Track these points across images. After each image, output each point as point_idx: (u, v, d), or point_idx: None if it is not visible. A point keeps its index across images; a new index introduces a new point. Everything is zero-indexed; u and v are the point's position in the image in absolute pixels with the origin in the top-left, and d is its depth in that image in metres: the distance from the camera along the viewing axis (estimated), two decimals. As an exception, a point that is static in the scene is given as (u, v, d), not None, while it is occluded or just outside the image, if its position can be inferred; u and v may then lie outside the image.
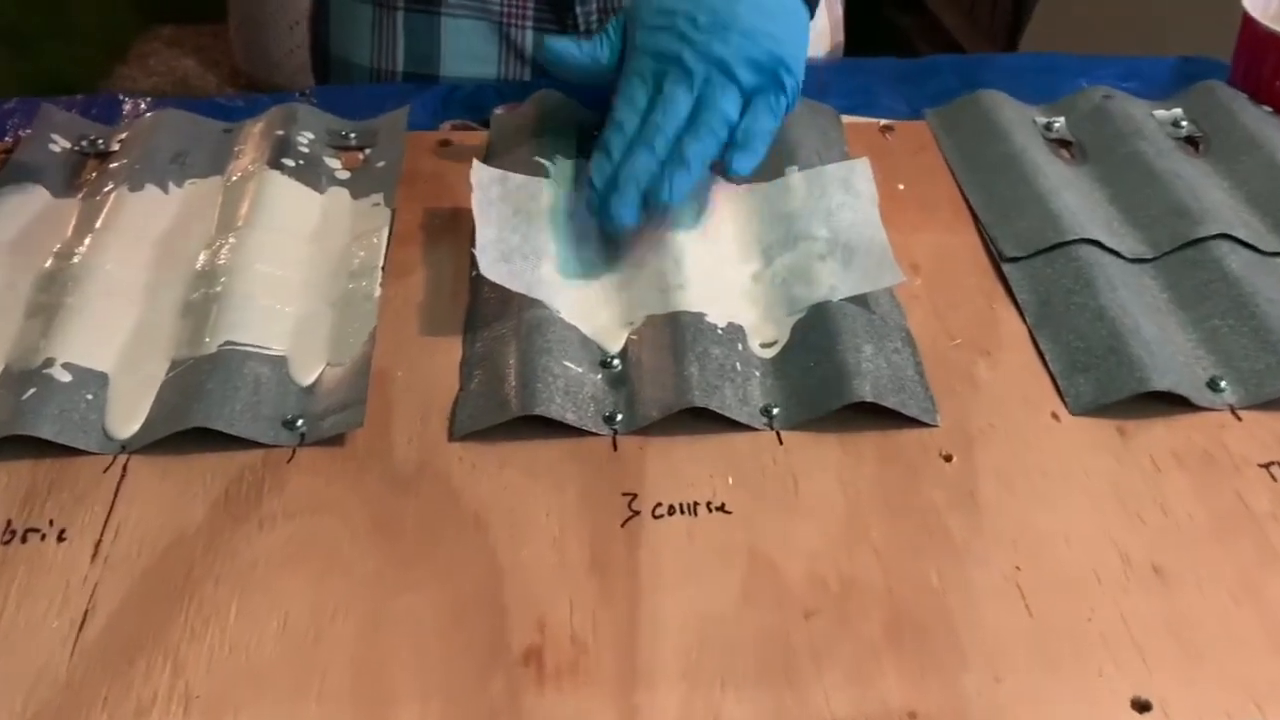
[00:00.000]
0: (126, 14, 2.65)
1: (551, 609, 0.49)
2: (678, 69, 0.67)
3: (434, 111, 0.84)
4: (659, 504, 0.54)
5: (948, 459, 0.57)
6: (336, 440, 0.57)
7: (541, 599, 0.49)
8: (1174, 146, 0.78)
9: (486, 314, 0.65)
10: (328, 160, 0.77)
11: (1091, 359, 0.61)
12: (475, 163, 0.70)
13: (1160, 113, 0.81)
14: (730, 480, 0.56)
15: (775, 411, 0.59)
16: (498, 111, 0.82)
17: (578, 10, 0.87)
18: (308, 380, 0.60)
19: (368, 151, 0.78)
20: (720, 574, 0.51)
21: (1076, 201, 0.72)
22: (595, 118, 0.77)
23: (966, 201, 0.75)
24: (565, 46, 0.72)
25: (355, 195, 0.74)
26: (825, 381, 0.59)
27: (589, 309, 0.65)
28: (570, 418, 0.58)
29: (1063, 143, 0.80)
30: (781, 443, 0.58)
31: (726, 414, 0.58)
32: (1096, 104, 0.81)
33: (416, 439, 0.57)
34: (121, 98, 0.86)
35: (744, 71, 0.67)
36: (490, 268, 0.63)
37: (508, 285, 0.63)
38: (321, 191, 0.74)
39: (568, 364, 0.60)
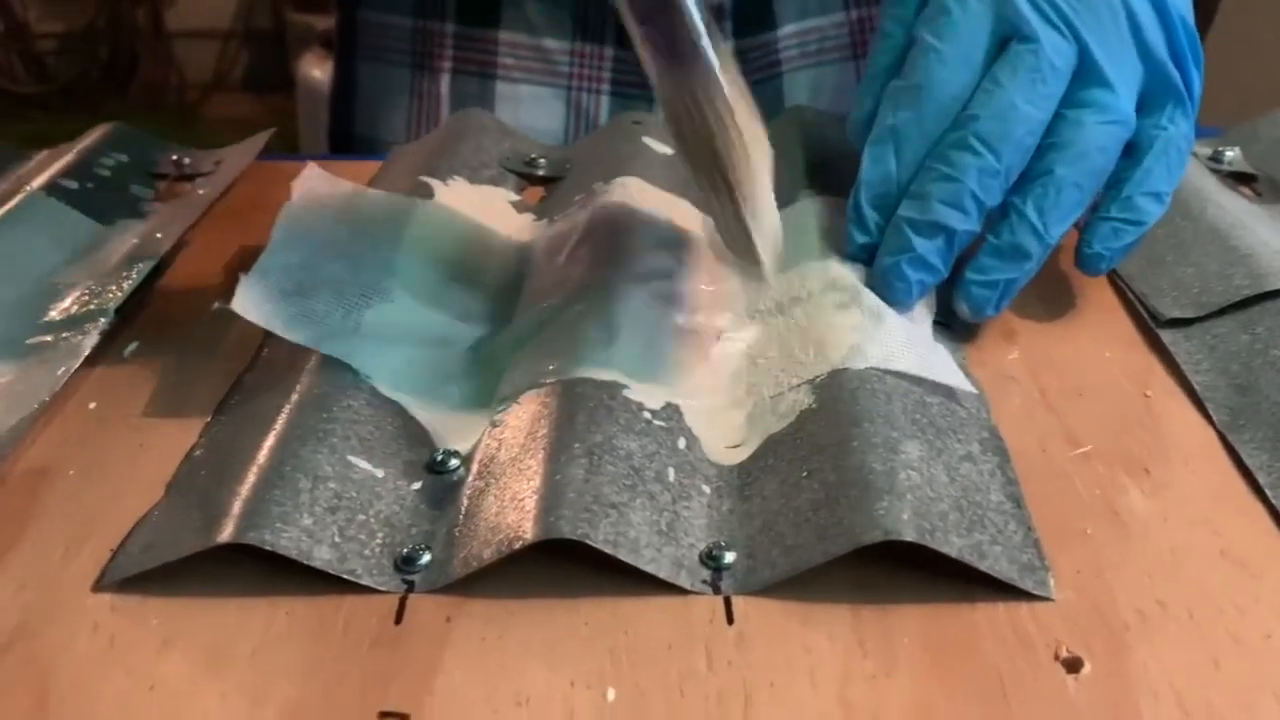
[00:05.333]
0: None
1: None
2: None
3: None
4: (448, 742, 0.26)
5: (1072, 668, 0.28)
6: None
7: None
8: None
9: (257, 384, 0.38)
10: (135, 189, 0.53)
11: (1356, 480, 0.31)
12: (310, 166, 0.45)
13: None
14: (610, 695, 0.27)
15: (728, 560, 0.31)
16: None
17: None
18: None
19: (198, 181, 0.54)
20: None
21: (1276, 241, 0.43)
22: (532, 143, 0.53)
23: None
24: None
25: (150, 230, 0.49)
26: (827, 506, 0.31)
27: (433, 377, 0.38)
28: (323, 556, 0.30)
29: (1239, 177, 0.52)
30: (732, 621, 0.29)
31: (627, 558, 0.29)
32: (1289, 128, 0.54)
33: (34, 584, 0.30)
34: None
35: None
36: (257, 303, 0.37)
37: (281, 330, 0.36)
38: (107, 223, 0.50)
39: (359, 462, 0.33)
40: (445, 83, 0.69)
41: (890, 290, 0.39)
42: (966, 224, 0.39)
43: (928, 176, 0.39)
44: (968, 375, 0.37)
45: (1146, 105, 0.41)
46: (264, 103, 2.58)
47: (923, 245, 0.39)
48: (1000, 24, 0.40)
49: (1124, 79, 0.40)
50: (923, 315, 0.40)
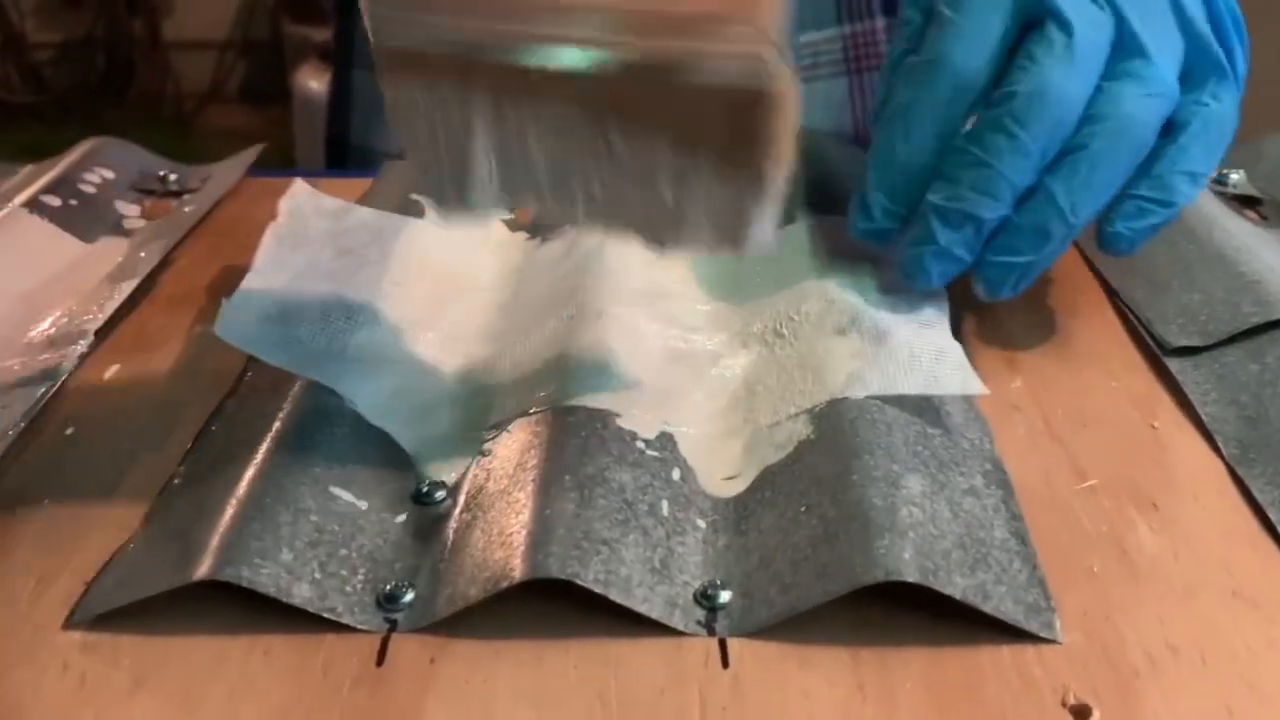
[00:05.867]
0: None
1: None
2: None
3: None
4: (430, 791, 0.25)
5: (1080, 715, 0.26)
6: None
7: None
8: None
9: (238, 410, 0.37)
10: (120, 205, 0.52)
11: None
12: (297, 182, 0.44)
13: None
14: (600, 742, 0.26)
15: (723, 600, 0.30)
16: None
17: None
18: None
19: (185, 198, 0.53)
20: None
21: (1287, 267, 0.43)
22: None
23: (1093, 268, 0.46)
24: None
25: (134, 249, 0.48)
26: (826, 543, 0.29)
27: (420, 404, 0.37)
28: (303, 594, 0.29)
29: (1246, 201, 0.51)
30: (727, 664, 0.28)
31: (618, 599, 0.28)
32: (1295, 150, 0.53)
33: (4, 622, 0.29)
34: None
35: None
36: (239, 327, 0.36)
37: (264, 355, 0.35)
38: (88, 241, 0.49)
39: (342, 493, 0.32)
40: None
41: (911, 281, 0.38)
42: (997, 211, 0.37)
43: (960, 160, 0.37)
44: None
45: (1187, 80, 0.38)
46: (260, 114, 2.57)
47: (948, 237, 0.37)
48: None
49: (1163, 50, 0.37)
50: (935, 315, 0.39)
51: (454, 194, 0.33)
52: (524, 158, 0.32)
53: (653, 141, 0.31)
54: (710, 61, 0.29)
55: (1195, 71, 0.38)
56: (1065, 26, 0.36)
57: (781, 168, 0.31)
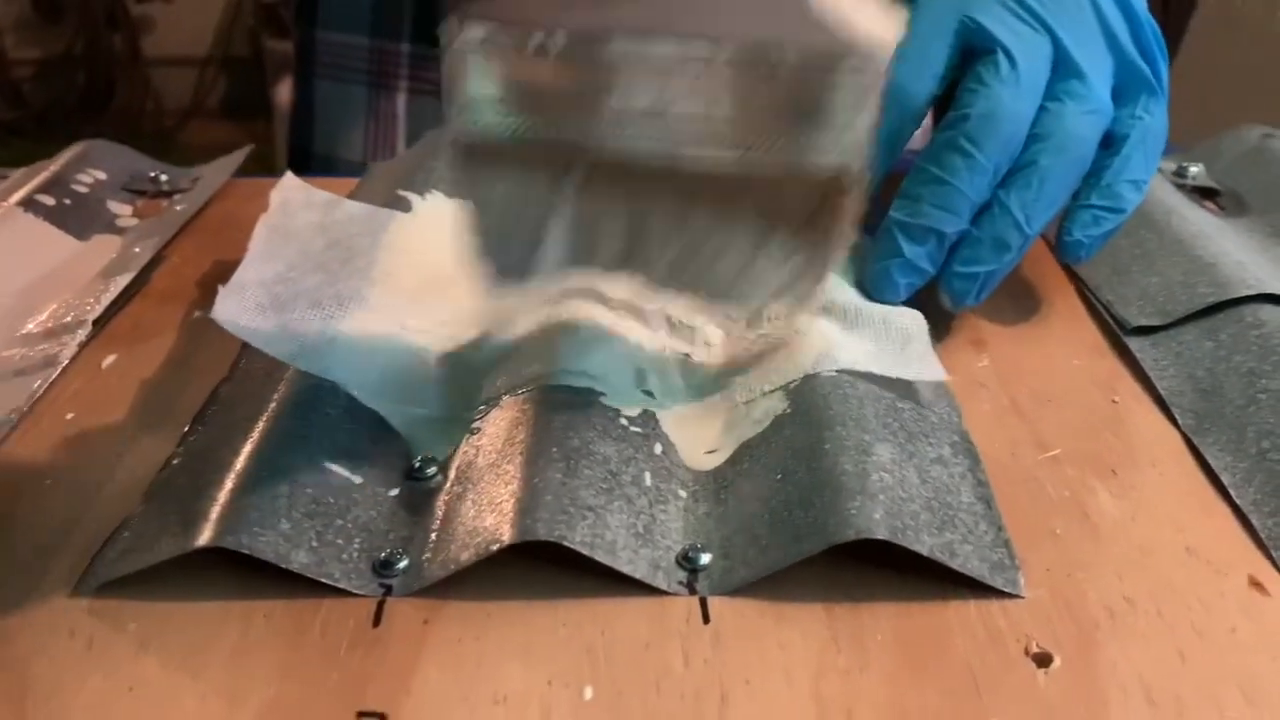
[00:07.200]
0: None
1: None
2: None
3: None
4: (426, 739, 0.26)
5: (1042, 662, 0.28)
6: None
7: None
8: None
9: (234, 395, 0.38)
10: (111, 205, 0.53)
11: (1317, 479, 0.32)
12: (287, 176, 0.46)
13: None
14: (588, 694, 0.27)
15: (704, 561, 0.31)
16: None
17: None
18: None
19: (175, 198, 0.54)
20: None
21: (1238, 252, 0.44)
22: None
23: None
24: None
25: (127, 245, 0.49)
26: (801, 507, 0.31)
27: (410, 385, 0.38)
28: (301, 560, 0.30)
29: (1204, 192, 0.53)
30: (708, 620, 0.29)
31: (604, 560, 0.30)
32: (1254, 145, 0.55)
33: (9, 589, 0.30)
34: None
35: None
36: (236, 313, 0.37)
37: (259, 344, 0.36)
38: (82, 239, 0.50)
39: (337, 468, 0.33)
40: (402, 102, 0.70)
41: (879, 294, 0.40)
42: (957, 225, 0.39)
43: (918, 178, 0.40)
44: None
45: (1121, 97, 0.41)
46: (242, 129, 2.58)
47: (913, 250, 0.39)
48: (967, 23, 0.41)
49: (1097, 70, 0.41)
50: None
51: (519, 266, 0.36)
52: (597, 236, 0.35)
53: (733, 216, 0.34)
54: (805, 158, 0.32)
55: (1128, 89, 0.42)
56: (1009, 52, 0.39)
57: (848, 240, 0.35)
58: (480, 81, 0.32)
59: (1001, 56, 0.40)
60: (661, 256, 0.36)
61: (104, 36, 2.61)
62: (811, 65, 0.31)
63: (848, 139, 0.32)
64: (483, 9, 0.31)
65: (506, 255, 0.36)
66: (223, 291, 0.37)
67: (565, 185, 0.34)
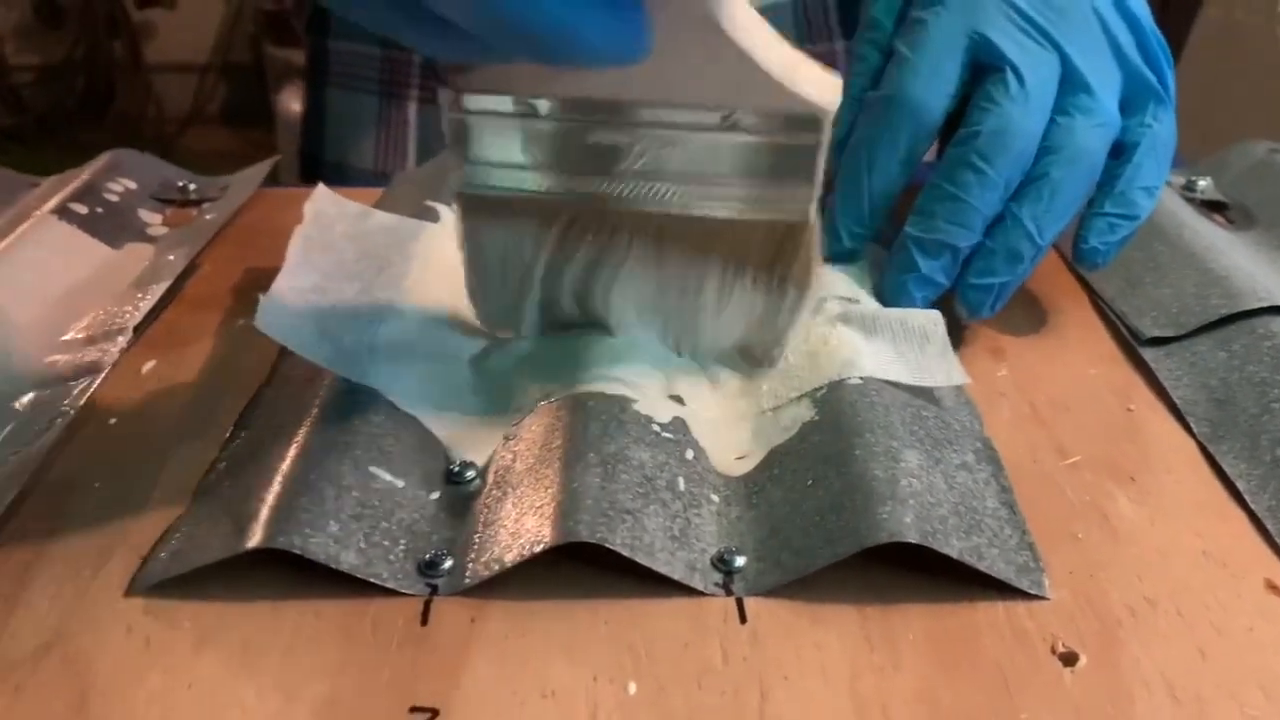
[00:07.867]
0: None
1: None
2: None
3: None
4: (479, 732, 0.27)
5: (1068, 661, 0.29)
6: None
7: None
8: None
9: (276, 399, 0.39)
10: (143, 214, 0.54)
11: (1330, 485, 0.33)
12: (320, 187, 0.47)
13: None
14: (632, 689, 0.28)
15: (739, 564, 0.32)
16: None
17: None
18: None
19: (205, 207, 0.55)
20: None
21: (1248, 264, 0.46)
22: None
23: (1071, 268, 0.49)
24: None
25: (160, 253, 0.50)
26: (833, 512, 0.32)
27: (446, 392, 0.39)
28: (350, 561, 0.31)
29: (1213, 206, 0.55)
30: (745, 620, 0.30)
31: (643, 561, 0.31)
32: (1261, 159, 0.56)
33: (68, 592, 0.31)
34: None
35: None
36: (277, 320, 0.38)
37: (300, 350, 0.37)
38: (115, 247, 0.51)
39: (380, 472, 0.34)
40: (413, 111, 0.71)
41: (896, 305, 0.41)
42: (970, 239, 0.41)
43: (932, 194, 0.41)
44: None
45: (1129, 106, 0.42)
46: (242, 136, 2.59)
47: (928, 265, 0.41)
48: (976, 39, 0.42)
49: (1105, 83, 0.42)
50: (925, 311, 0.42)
51: (509, 316, 0.41)
52: (574, 285, 0.39)
53: (704, 262, 0.37)
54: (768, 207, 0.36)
55: (1136, 98, 0.43)
56: (1017, 70, 0.41)
57: (812, 283, 0.38)
58: (475, 146, 0.36)
59: (1010, 75, 0.41)
60: (635, 297, 0.39)
61: (105, 42, 2.62)
62: (766, 128, 0.34)
63: (802, 192, 0.35)
64: (477, 79, 0.35)
65: (497, 311, 0.41)
66: (264, 300, 0.38)
67: (548, 236, 0.38)
